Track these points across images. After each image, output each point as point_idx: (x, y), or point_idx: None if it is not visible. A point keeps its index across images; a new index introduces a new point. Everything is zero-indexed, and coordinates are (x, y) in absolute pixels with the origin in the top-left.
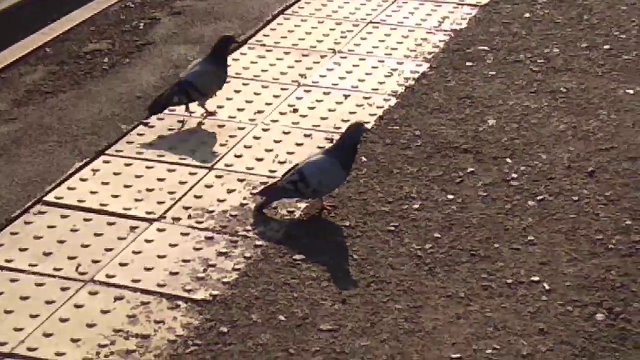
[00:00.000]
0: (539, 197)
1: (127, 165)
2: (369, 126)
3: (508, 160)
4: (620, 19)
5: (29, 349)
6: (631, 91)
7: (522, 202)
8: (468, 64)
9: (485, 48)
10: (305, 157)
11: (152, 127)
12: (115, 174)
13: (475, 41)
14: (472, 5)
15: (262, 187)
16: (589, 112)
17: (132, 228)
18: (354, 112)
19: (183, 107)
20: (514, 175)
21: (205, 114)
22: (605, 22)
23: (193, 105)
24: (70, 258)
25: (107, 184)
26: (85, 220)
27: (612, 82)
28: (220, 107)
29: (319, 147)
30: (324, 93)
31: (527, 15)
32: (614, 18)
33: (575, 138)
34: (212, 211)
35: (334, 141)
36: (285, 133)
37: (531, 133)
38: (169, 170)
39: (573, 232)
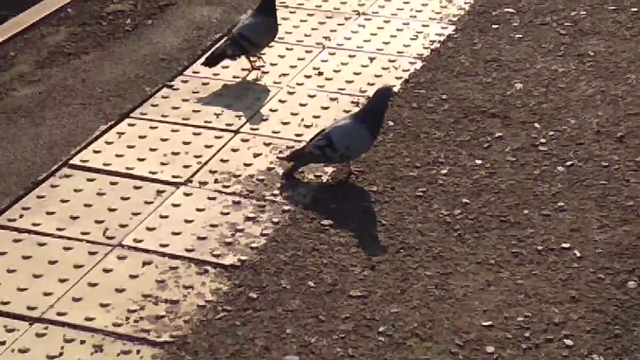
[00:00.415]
0: (568, 163)
1: (152, 128)
2: (395, 90)
3: (536, 125)
4: None
5: (59, 314)
6: None
7: (551, 167)
8: (494, 26)
9: (511, 10)
10: (332, 121)
11: (176, 89)
12: (140, 137)
13: (501, 3)
14: None
15: (289, 152)
16: (618, 76)
17: (159, 192)
18: (380, 76)
19: (208, 69)
20: (543, 140)
21: (256, 67)
22: None
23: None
24: (97, 222)
25: (132, 147)
26: (112, 183)
27: None
28: (245, 69)
29: (345, 111)
30: (349, 56)
31: None
32: None
33: (604, 102)
34: (239, 175)
35: (360, 105)
36: (310, 96)
37: (559, 97)
38: (195, 134)
39: (603, 198)
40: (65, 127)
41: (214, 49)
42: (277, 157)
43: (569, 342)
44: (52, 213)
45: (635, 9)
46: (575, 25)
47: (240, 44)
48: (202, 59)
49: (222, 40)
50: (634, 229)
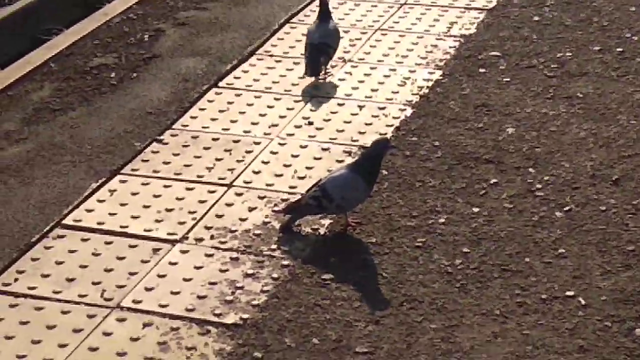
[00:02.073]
0: (565, 208)
1: (144, 184)
2: (389, 137)
3: (531, 170)
4: (630, 20)
5: None
6: None
7: (549, 213)
8: (481, 70)
9: (497, 53)
10: (325, 171)
11: (166, 144)
12: (133, 194)
13: (487, 46)
14: (479, 10)
15: (285, 205)
16: (608, 117)
17: (155, 250)
18: (370, 124)
19: (196, 122)
20: (539, 186)
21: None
22: (616, 23)
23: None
24: (94, 283)
25: (125, 204)
26: (107, 243)
27: (629, 86)
28: (234, 121)
29: (338, 161)
30: (338, 104)
31: (537, 18)
32: (624, 19)
33: (596, 145)
34: (235, 230)
35: (353, 154)
36: (302, 147)
37: (551, 141)
38: (188, 189)
39: (604, 243)
40: (56, 185)
41: (306, 62)
42: (273, 211)
43: None
44: (48, 275)
45: (621, 49)
46: (562, 67)
47: (325, 50)
48: (302, 72)
49: (305, 53)
50: (636, 274)
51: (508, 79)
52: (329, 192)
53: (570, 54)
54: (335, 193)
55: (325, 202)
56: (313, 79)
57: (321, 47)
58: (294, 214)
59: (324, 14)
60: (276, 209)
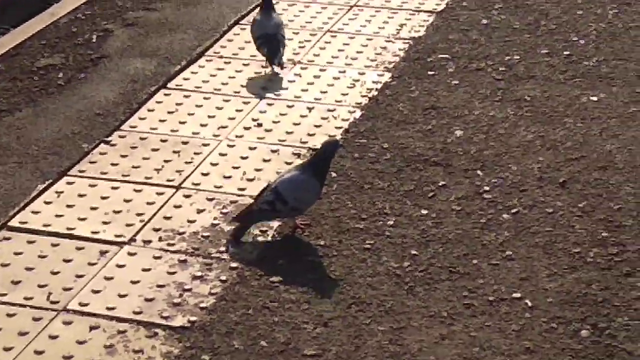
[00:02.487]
0: (513, 210)
1: (92, 186)
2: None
3: (479, 172)
4: (577, 24)
5: None
6: (595, 98)
7: (496, 215)
8: (430, 73)
9: (446, 56)
10: (274, 174)
11: (114, 145)
12: (80, 195)
13: (436, 49)
14: (428, 12)
15: (237, 213)
16: (555, 120)
17: (102, 252)
18: (320, 126)
19: (145, 123)
20: (486, 188)
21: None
22: (563, 27)
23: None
24: (40, 286)
25: (72, 206)
26: (53, 245)
27: (575, 89)
28: (182, 122)
29: (287, 163)
30: (288, 106)
31: (485, 21)
32: (571, 23)
33: (543, 148)
34: (183, 233)
35: (302, 156)
36: (251, 149)
37: (499, 144)
38: (136, 191)
39: (550, 245)
40: (2, 187)
41: (266, 54)
42: (221, 213)
43: None
44: None
45: (568, 53)
46: (510, 70)
47: (282, 42)
48: (265, 63)
49: (260, 44)
50: (582, 276)
51: (457, 82)
52: (282, 195)
53: (518, 57)
54: (289, 195)
55: (279, 205)
56: (271, 71)
57: (279, 38)
58: (247, 222)
59: (268, 5)
60: (228, 216)
